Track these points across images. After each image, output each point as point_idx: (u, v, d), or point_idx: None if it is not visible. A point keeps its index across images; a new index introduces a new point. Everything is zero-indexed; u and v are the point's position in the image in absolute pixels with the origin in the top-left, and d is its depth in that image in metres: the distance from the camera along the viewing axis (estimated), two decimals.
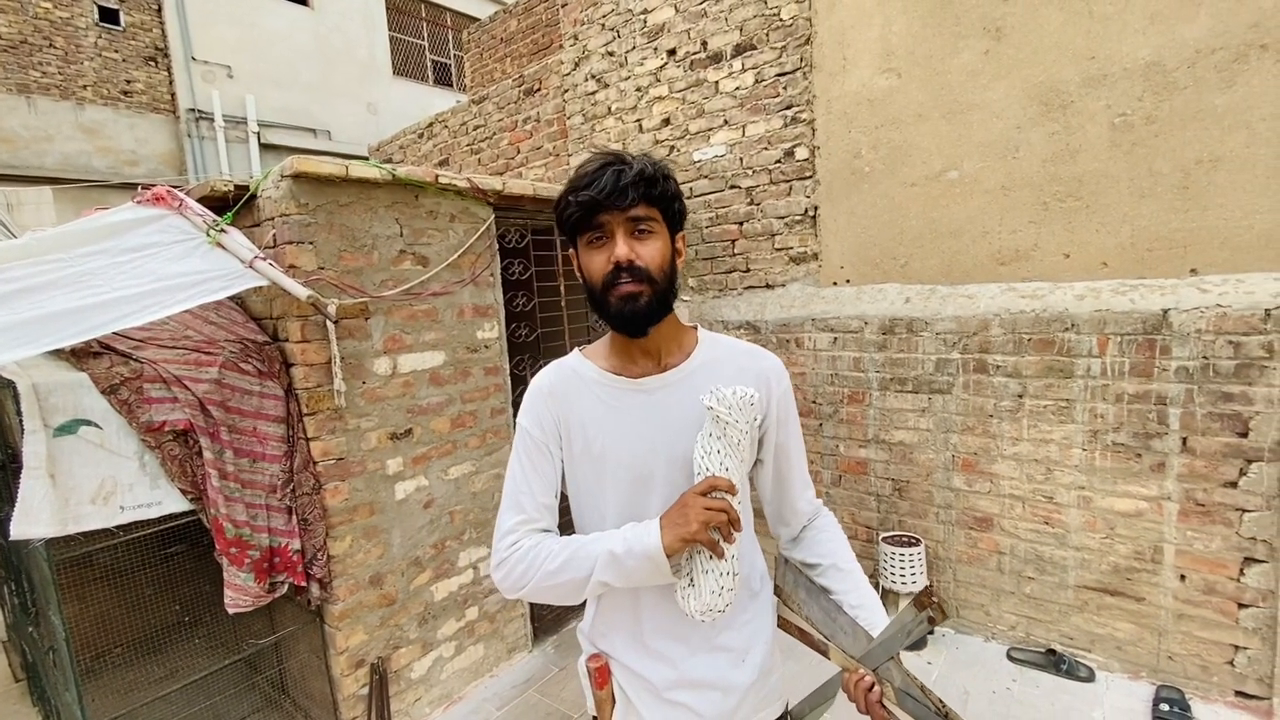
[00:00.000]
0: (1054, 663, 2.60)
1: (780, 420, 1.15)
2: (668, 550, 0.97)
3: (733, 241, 3.49)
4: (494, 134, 4.68)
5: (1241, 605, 2.29)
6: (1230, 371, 2.25)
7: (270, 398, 2.20)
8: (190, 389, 2.03)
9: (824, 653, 1.14)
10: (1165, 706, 2.31)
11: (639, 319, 1.02)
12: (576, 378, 1.13)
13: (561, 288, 3.09)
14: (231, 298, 2.28)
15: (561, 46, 5.23)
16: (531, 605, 2.99)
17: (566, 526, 1.15)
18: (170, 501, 2.04)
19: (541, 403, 1.13)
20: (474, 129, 4.82)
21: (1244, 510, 2.26)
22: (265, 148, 7.94)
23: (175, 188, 2.23)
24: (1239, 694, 2.32)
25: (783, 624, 1.24)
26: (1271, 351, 2.17)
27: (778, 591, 1.23)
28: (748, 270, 3.45)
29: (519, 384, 2.95)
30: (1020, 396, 2.66)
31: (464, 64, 6.54)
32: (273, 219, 2.23)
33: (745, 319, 3.39)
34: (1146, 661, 2.49)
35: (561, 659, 2.94)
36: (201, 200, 2.26)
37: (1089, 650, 2.61)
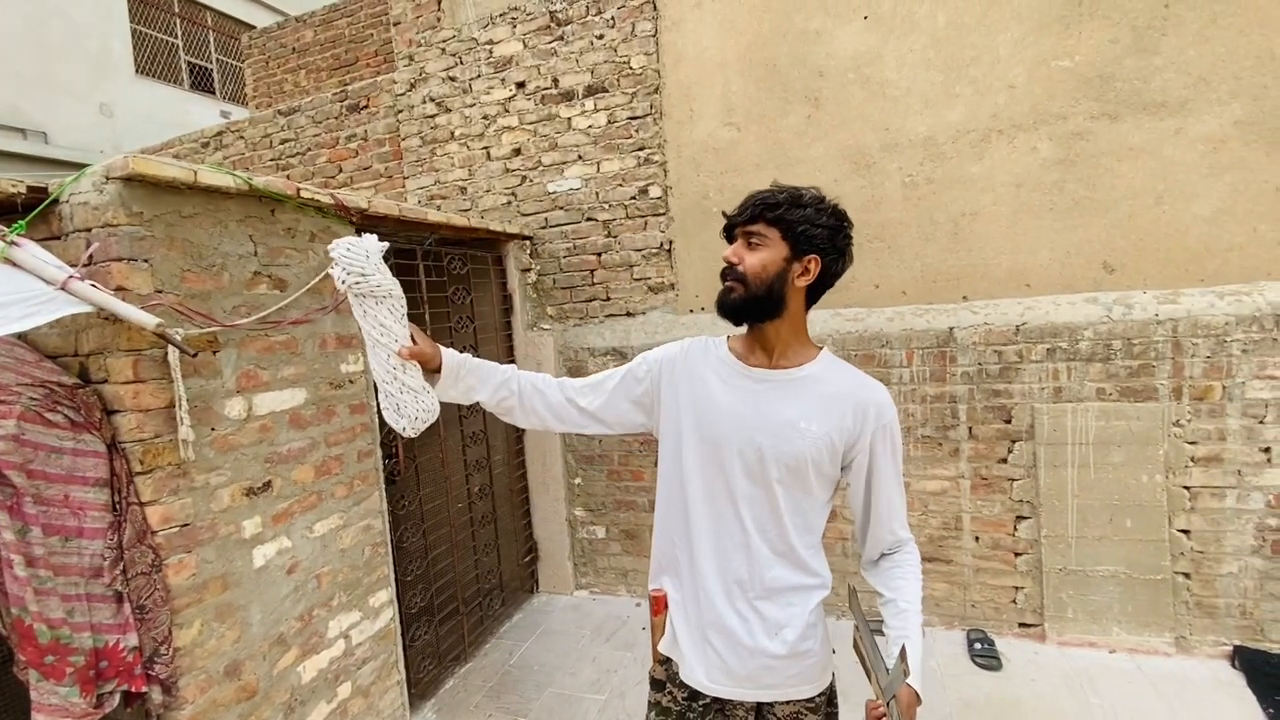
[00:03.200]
0: None
1: (874, 451, 1.25)
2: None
3: (591, 271, 3.59)
4: (308, 149, 4.21)
5: (1017, 554, 2.96)
6: (997, 373, 2.93)
7: (88, 455, 1.73)
8: None
9: (869, 678, 1.28)
10: (978, 645, 2.87)
11: (727, 308, 1.25)
12: (708, 351, 1.35)
13: (426, 315, 2.90)
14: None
15: (381, 66, 4.94)
16: (407, 668, 2.68)
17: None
18: None
19: (669, 356, 1.37)
20: (281, 142, 4.29)
21: (1013, 480, 2.94)
22: None
23: None
24: (1022, 625, 2.97)
25: (855, 643, 1.36)
26: (1022, 357, 2.89)
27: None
28: (608, 299, 3.57)
29: (386, 422, 2.69)
30: None
31: (245, 72, 5.79)
32: (89, 230, 1.78)
33: (611, 345, 3.50)
34: (958, 612, 3.07)
35: None
36: None
37: None
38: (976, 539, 3.02)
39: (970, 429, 2.99)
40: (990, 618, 3.02)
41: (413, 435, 1.25)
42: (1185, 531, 2.77)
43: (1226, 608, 2.72)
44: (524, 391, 1.39)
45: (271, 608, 2.14)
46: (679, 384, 1.32)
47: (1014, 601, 2.98)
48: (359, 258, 1.13)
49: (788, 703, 1.28)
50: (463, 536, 3.18)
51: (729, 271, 1.24)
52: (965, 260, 3.03)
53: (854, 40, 3.08)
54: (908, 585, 1.27)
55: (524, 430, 3.74)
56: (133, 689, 1.74)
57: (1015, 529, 2.96)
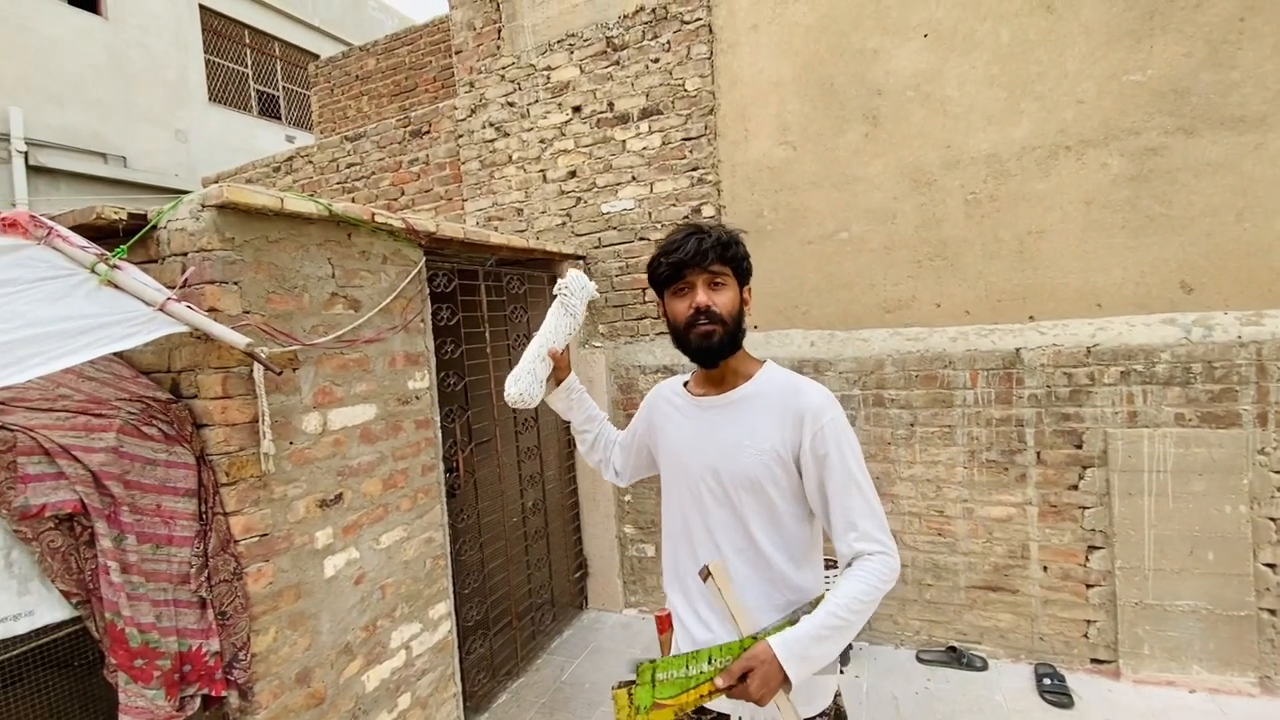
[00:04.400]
0: (955, 658, 2.97)
1: (817, 456, 1.22)
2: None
3: (643, 290, 3.62)
4: (373, 173, 4.38)
5: (1089, 586, 2.83)
6: (1067, 396, 2.83)
7: (179, 467, 1.82)
8: (82, 461, 1.62)
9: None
10: (1047, 681, 2.75)
11: (713, 352, 1.29)
12: (672, 390, 1.49)
13: (487, 334, 2.96)
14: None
15: (439, 91, 5.11)
16: (463, 681, 2.71)
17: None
18: (45, 610, 1.58)
19: (649, 403, 1.55)
20: (347, 166, 4.47)
21: (1085, 507, 2.83)
22: (36, 170, 6.49)
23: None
24: (1094, 661, 2.83)
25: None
26: (1094, 379, 2.78)
27: None
28: (659, 317, 3.59)
29: (449, 437, 2.76)
30: (912, 425, 3.07)
31: (312, 99, 6.07)
32: (185, 255, 1.89)
33: (662, 363, 3.51)
34: (1024, 645, 2.95)
35: None
36: (77, 229, 1.85)
37: (979, 642, 3.03)
38: (1045, 569, 2.90)
39: (1038, 454, 2.89)
40: (1060, 652, 2.89)
41: (509, 402, 1.50)
42: (1271, 566, 2.61)
43: None
44: (601, 436, 1.69)
45: (339, 617, 2.20)
46: (654, 426, 1.50)
47: (1085, 635, 2.85)
48: (576, 283, 1.58)
49: None
50: (516, 551, 3.22)
51: (705, 315, 1.25)
52: (1032, 279, 2.94)
53: (913, 58, 3.06)
54: (845, 583, 1.17)
55: (575, 445, 3.77)
56: (213, 693, 1.81)
57: (1087, 559, 2.83)
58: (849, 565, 1.23)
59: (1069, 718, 2.59)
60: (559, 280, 1.58)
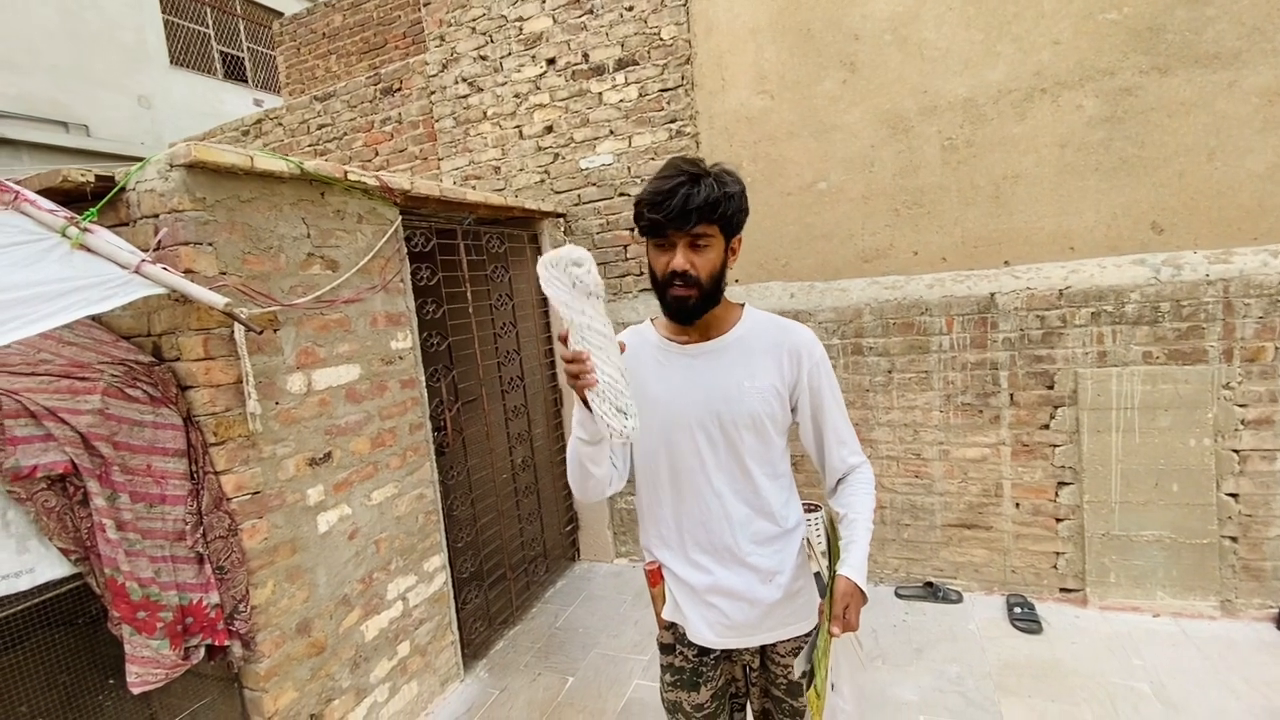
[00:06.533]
0: (932, 593, 3.10)
1: (813, 387, 1.34)
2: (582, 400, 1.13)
3: (625, 247, 3.62)
4: (345, 134, 4.29)
5: (1059, 520, 2.95)
6: (1039, 339, 2.89)
7: (166, 428, 1.84)
8: (69, 423, 1.63)
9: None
10: (1018, 610, 2.88)
11: (686, 314, 1.26)
12: (643, 339, 1.38)
13: (468, 294, 2.96)
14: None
15: (410, 48, 4.98)
16: (460, 629, 2.81)
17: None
18: (45, 567, 1.62)
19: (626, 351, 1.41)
20: (318, 128, 4.38)
21: (1055, 446, 2.92)
22: None
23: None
24: (1063, 590, 2.97)
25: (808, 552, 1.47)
26: (1065, 321, 2.85)
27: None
28: (641, 274, 3.60)
29: (434, 396, 2.79)
30: (890, 372, 3.14)
31: (277, 59, 5.88)
32: (156, 216, 1.88)
33: (645, 320, 3.53)
34: (997, 578, 3.08)
35: (498, 681, 2.81)
36: (45, 193, 1.83)
37: (955, 577, 3.16)
38: (1017, 505, 3.02)
39: (1011, 395, 2.97)
40: (1030, 583, 3.03)
41: (632, 440, 1.11)
42: (1233, 495, 2.72)
43: (1274, 570, 2.69)
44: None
45: (335, 570, 2.26)
46: (633, 383, 1.29)
47: (1055, 567, 2.98)
48: (572, 259, 1.08)
49: (787, 640, 1.40)
50: (508, 506, 3.29)
51: (681, 277, 1.20)
52: (1007, 224, 2.97)
53: (890, 0, 3.01)
54: (857, 500, 1.36)
55: (563, 404, 3.82)
56: (216, 643, 1.87)
57: (1057, 495, 2.94)
58: (843, 477, 1.40)
59: (1037, 642, 2.73)
60: (574, 267, 1.07)
